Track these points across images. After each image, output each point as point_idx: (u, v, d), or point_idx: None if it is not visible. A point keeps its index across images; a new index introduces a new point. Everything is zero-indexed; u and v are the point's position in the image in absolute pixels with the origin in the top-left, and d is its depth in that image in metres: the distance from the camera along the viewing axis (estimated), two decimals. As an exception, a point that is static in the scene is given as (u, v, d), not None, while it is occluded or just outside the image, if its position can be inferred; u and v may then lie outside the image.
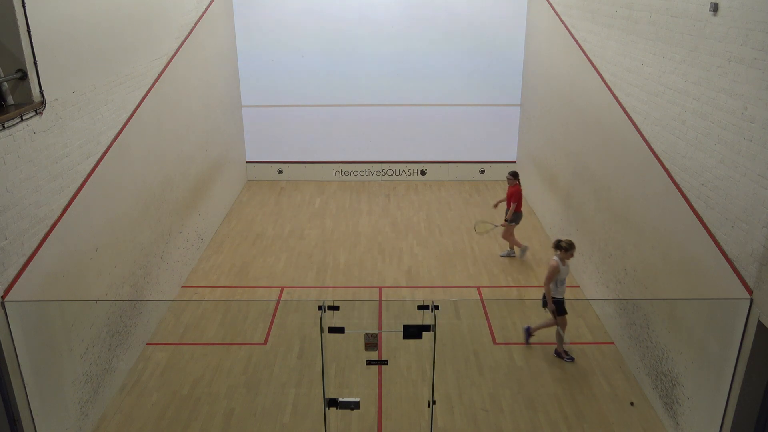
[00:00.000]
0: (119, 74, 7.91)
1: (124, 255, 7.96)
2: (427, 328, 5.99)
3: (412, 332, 6.01)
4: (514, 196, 10.79)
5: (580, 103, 10.33)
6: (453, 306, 9.58)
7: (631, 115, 8.19)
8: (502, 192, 14.44)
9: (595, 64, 9.57)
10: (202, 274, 10.60)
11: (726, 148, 5.98)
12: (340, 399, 6.16)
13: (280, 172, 15.22)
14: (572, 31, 10.72)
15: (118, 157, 7.83)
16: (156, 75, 9.14)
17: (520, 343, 8.61)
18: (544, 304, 8.22)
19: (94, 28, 7.26)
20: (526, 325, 8.66)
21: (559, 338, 8.25)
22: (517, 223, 11.04)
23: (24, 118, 5.80)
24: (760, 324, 5.53)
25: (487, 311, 9.44)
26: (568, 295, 9.97)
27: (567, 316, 8.25)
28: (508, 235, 11.12)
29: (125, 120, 8.05)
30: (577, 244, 10.23)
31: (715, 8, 6.15)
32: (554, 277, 7.98)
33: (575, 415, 7.27)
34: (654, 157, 7.48)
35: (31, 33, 5.90)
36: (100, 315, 7.27)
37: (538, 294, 9.98)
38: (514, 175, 10.91)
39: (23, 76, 5.90)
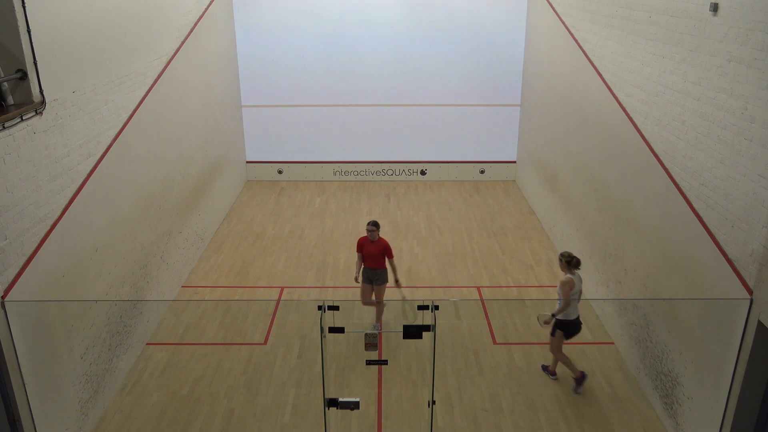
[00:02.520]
0: (119, 74, 7.91)
1: (124, 255, 7.96)
2: (427, 328, 5.99)
3: (412, 332, 6.01)
4: (389, 249, 8.49)
5: (580, 103, 10.32)
6: (453, 306, 9.57)
7: (631, 115, 8.19)
8: (503, 194, 14.44)
9: (595, 64, 9.57)
10: (202, 274, 10.59)
11: (726, 148, 5.98)
12: (340, 399, 6.15)
13: (280, 172, 15.22)
14: (572, 31, 10.72)
15: (118, 157, 7.83)
16: (156, 75, 9.14)
17: (520, 343, 8.61)
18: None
19: (94, 28, 7.26)
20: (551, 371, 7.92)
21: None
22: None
23: (24, 118, 5.80)
24: (760, 324, 5.53)
25: (487, 311, 9.44)
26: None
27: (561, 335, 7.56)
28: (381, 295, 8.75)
29: (125, 120, 8.06)
30: (577, 244, 10.27)
31: (715, 8, 6.15)
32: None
33: (575, 415, 7.27)
34: (654, 157, 7.48)
35: (31, 33, 5.90)
36: (100, 315, 7.27)
37: (538, 294, 9.98)
38: (377, 225, 8.53)
39: (23, 76, 5.90)
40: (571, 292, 7.28)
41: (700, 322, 6.39)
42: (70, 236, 6.64)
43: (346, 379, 7.91)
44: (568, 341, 7.68)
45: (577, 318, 7.46)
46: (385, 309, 9.15)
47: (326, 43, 14.26)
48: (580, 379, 7.60)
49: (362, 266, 8.65)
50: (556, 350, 7.61)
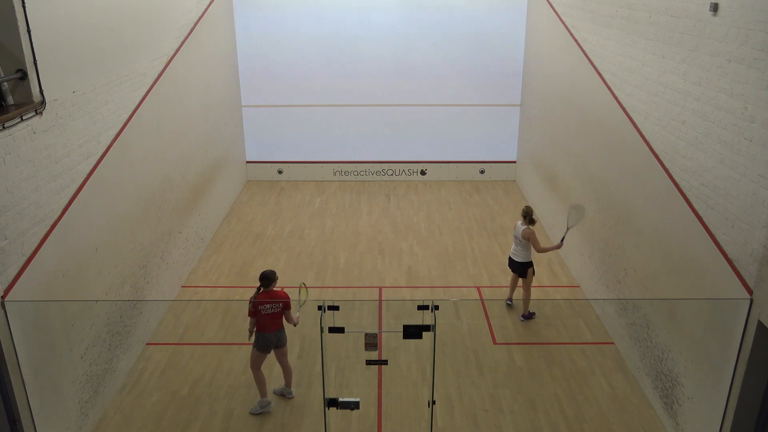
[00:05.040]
0: (119, 74, 7.91)
1: (124, 255, 7.96)
2: (427, 328, 5.99)
3: (412, 332, 6.01)
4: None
5: (580, 103, 10.33)
6: (453, 306, 9.57)
7: (631, 115, 8.19)
8: (503, 194, 14.45)
9: (595, 64, 9.57)
10: (202, 274, 10.59)
11: (726, 148, 5.98)
12: (340, 399, 6.15)
13: (280, 172, 15.22)
14: (572, 31, 10.72)
15: (118, 157, 7.83)
16: (156, 75, 9.14)
17: (520, 343, 8.61)
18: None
19: (94, 28, 7.26)
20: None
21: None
22: (261, 350, 7.20)
23: (24, 118, 5.80)
24: (760, 324, 5.53)
25: (487, 311, 9.44)
26: (567, 294, 10.02)
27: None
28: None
29: (125, 120, 8.06)
30: (577, 244, 10.28)
31: (715, 8, 6.16)
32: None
33: (575, 415, 7.27)
34: (654, 157, 7.48)
35: (31, 33, 5.90)
36: (100, 315, 7.27)
37: (539, 294, 9.99)
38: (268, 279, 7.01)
39: (23, 76, 5.90)
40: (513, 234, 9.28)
41: (700, 322, 6.39)
42: (70, 236, 6.64)
43: (346, 379, 7.91)
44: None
45: (521, 262, 9.06)
46: (384, 309, 9.14)
47: (326, 43, 14.25)
48: (527, 315, 9.27)
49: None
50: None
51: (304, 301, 7.18)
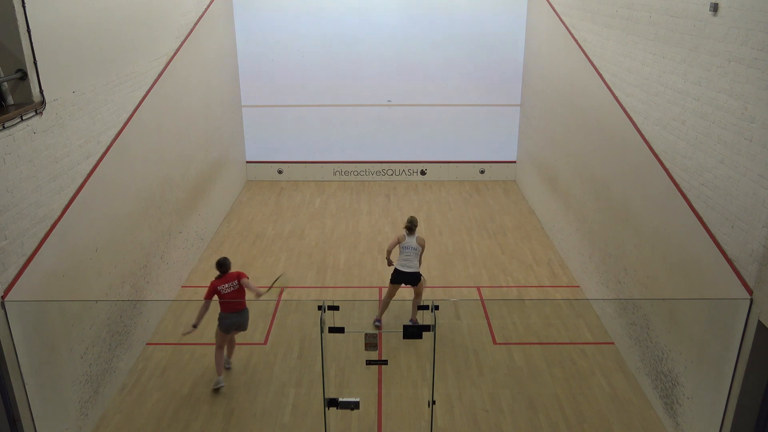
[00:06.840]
0: (119, 74, 7.91)
1: (124, 255, 7.96)
2: (427, 328, 5.99)
3: (412, 332, 6.01)
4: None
5: (580, 103, 10.33)
6: (453, 306, 9.58)
7: (631, 115, 8.19)
8: (503, 194, 14.45)
9: (595, 64, 9.58)
10: (202, 274, 10.59)
11: (726, 148, 5.98)
12: (340, 399, 6.16)
13: (280, 172, 15.22)
14: (572, 31, 10.72)
15: (118, 157, 7.83)
16: (156, 75, 9.14)
17: (520, 343, 8.62)
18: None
19: (94, 28, 7.26)
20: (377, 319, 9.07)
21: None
22: (223, 330, 7.73)
23: (24, 118, 5.80)
24: (760, 324, 5.53)
25: (487, 311, 9.44)
26: (568, 294, 10.02)
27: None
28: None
29: (125, 120, 8.06)
30: (577, 244, 10.27)
31: (715, 8, 6.16)
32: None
33: (575, 416, 7.27)
34: (654, 157, 7.49)
35: (31, 33, 5.90)
36: (100, 315, 7.27)
37: (538, 294, 9.99)
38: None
39: (23, 76, 5.90)
40: (398, 245, 8.80)
41: (700, 322, 6.39)
42: (70, 236, 6.64)
43: (346, 379, 7.92)
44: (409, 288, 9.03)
45: (410, 272, 8.65)
46: (385, 309, 9.14)
47: (326, 44, 14.26)
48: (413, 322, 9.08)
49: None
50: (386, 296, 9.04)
51: (276, 286, 7.83)
